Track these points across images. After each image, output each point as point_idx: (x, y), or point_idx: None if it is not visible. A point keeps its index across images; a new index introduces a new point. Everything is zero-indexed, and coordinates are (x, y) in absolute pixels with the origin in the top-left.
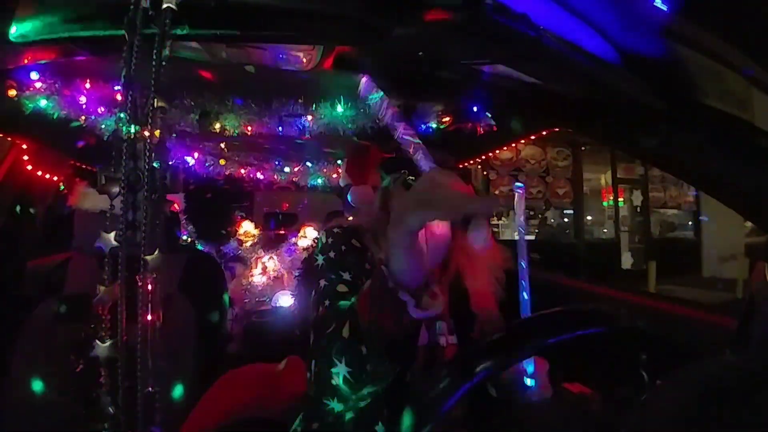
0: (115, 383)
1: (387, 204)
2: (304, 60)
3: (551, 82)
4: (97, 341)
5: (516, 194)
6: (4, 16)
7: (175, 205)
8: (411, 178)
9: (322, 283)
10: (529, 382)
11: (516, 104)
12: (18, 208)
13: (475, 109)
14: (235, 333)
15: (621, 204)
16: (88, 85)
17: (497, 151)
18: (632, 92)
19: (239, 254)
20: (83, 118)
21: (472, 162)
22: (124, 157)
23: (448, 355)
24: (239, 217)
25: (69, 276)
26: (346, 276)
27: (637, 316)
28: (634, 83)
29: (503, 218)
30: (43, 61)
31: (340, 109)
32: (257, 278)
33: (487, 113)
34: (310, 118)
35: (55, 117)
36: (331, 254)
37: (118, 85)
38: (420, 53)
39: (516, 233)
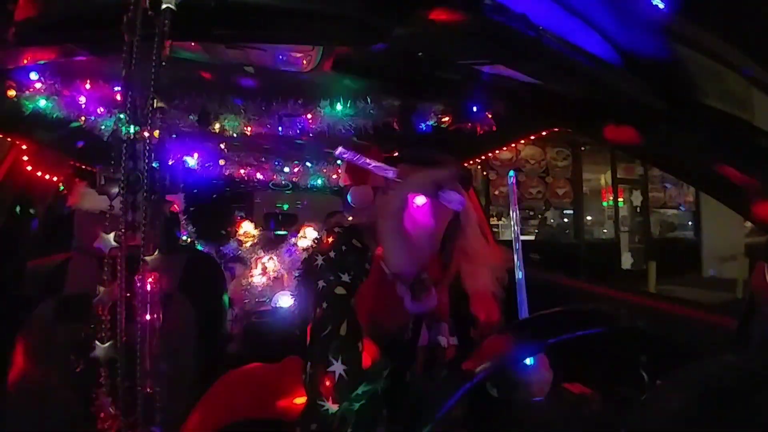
0: (115, 383)
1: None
2: (304, 61)
3: (551, 82)
4: (97, 341)
5: (509, 183)
6: (4, 17)
7: (175, 206)
8: None
9: (321, 284)
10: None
11: (516, 104)
12: (18, 208)
13: (475, 109)
14: (235, 333)
15: (621, 204)
16: (87, 86)
17: (497, 151)
18: (632, 92)
19: (239, 254)
20: (83, 118)
21: (472, 162)
22: (123, 158)
23: (449, 356)
24: (239, 218)
25: (69, 276)
26: (345, 277)
27: (637, 316)
28: (634, 83)
29: (503, 218)
30: (42, 62)
31: (339, 109)
32: (257, 279)
33: (487, 113)
34: (309, 117)
35: (54, 117)
36: (331, 254)
37: (117, 85)
38: (420, 53)
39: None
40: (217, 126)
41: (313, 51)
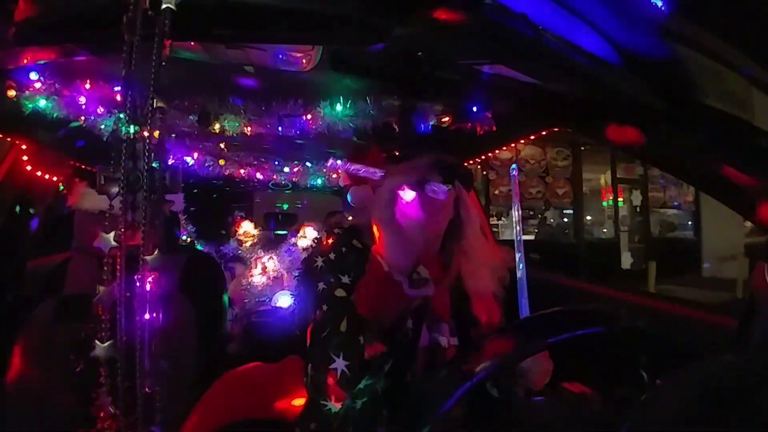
0: (115, 383)
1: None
2: (304, 61)
3: (551, 82)
4: (97, 341)
5: (512, 176)
6: (4, 17)
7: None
8: None
9: (321, 286)
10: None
11: (516, 104)
12: (18, 208)
13: (475, 109)
14: (235, 333)
15: (621, 204)
16: (87, 86)
17: (497, 151)
18: (632, 92)
19: (239, 254)
20: (83, 118)
21: (472, 162)
22: (123, 158)
23: (449, 356)
24: (239, 218)
25: (69, 276)
26: (346, 279)
27: (637, 316)
28: (634, 83)
29: (503, 218)
30: (42, 62)
31: (339, 109)
32: (257, 278)
33: (487, 113)
34: (309, 117)
35: (54, 117)
36: (332, 256)
37: (117, 85)
38: (420, 53)
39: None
40: (217, 126)
41: (313, 51)
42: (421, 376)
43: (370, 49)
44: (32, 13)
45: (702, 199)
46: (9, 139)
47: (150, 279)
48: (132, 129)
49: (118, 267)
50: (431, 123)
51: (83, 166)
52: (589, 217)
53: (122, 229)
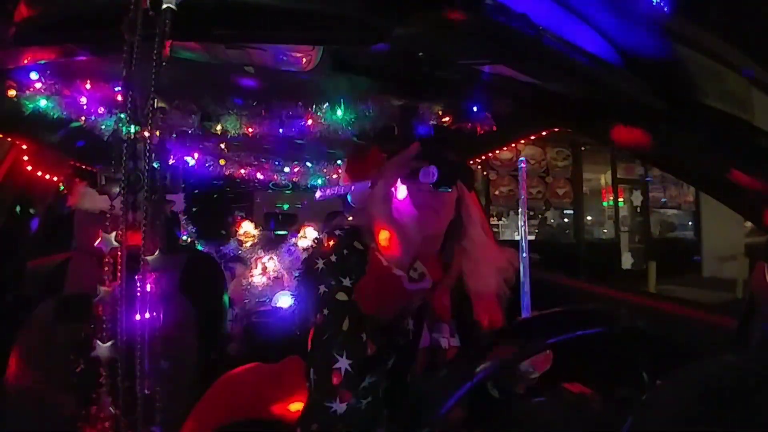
0: (115, 383)
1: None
2: (304, 60)
3: (551, 82)
4: (98, 341)
5: (519, 168)
6: (4, 17)
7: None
8: None
9: (322, 289)
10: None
11: (516, 104)
12: (18, 208)
13: (475, 109)
14: (235, 333)
15: (621, 204)
16: (88, 86)
17: (497, 151)
18: (632, 92)
19: (239, 254)
20: (83, 118)
21: (472, 162)
22: (124, 158)
23: (450, 356)
24: (239, 218)
25: (69, 276)
26: (347, 282)
27: (637, 316)
28: (634, 83)
29: (503, 218)
30: (42, 62)
31: (339, 109)
32: (257, 278)
33: (487, 113)
34: (309, 117)
35: (54, 117)
36: (333, 258)
37: (118, 85)
38: (420, 53)
39: (516, 233)
40: (218, 126)
41: (313, 51)
42: (421, 376)
43: (370, 49)
44: (32, 13)
45: (702, 199)
46: (9, 139)
47: (150, 279)
48: (132, 129)
49: (118, 267)
50: (431, 123)
51: (84, 167)
52: (589, 218)
53: (123, 230)
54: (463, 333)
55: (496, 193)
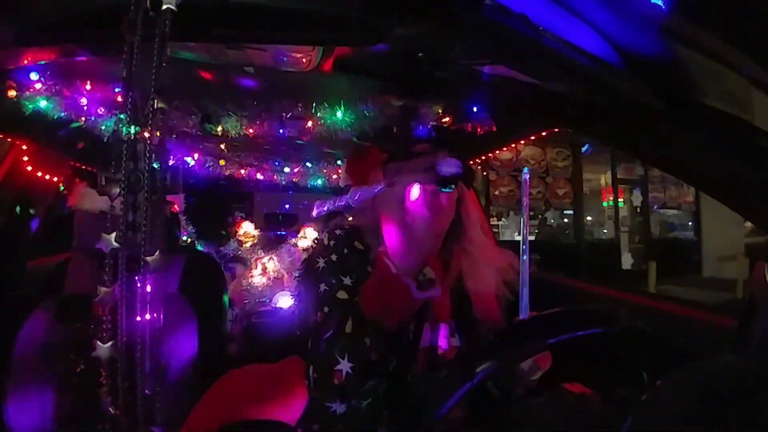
0: (115, 383)
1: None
2: (304, 60)
3: (551, 82)
4: (97, 341)
5: (523, 179)
6: (4, 17)
7: (176, 206)
8: None
9: (322, 287)
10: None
11: (516, 104)
12: (18, 208)
13: (475, 109)
14: (235, 333)
15: (621, 204)
16: (88, 86)
17: (497, 152)
18: (632, 92)
19: (239, 255)
20: (83, 118)
21: (472, 162)
22: (124, 158)
23: (450, 356)
24: (239, 218)
25: (69, 276)
26: (347, 281)
27: (637, 316)
28: (634, 83)
29: (503, 218)
30: (43, 62)
31: (339, 110)
32: (257, 279)
33: (487, 113)
34: (309, 117)
35: (54, 117)
36: (333, 257)
37: (118, 86)
38: (420, 53)
39: (516, 234)
40: (218, 127)
41: (313, 51)
42: (421, 376)
43: (370, 50)
44: (32, 13)
45: (702, 199)
46: (9, 139)
47: (150, 280)
48: (133, 130)
49: (118, 268)
50: (431, 123)
51: (84, 167)
52: (589, 218)
53: (123, 230)
54: (463, 333)
55: (496, 193)
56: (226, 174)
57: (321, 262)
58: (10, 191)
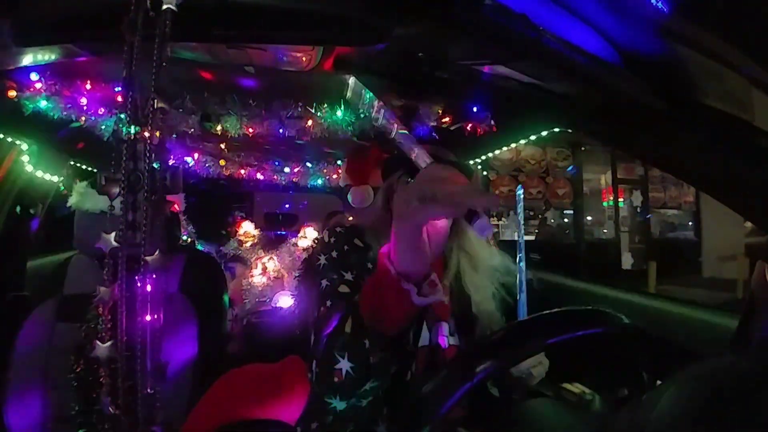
0: (115, 383)
1: (389, 203)
2: (304, 59)
3: (551, 82)
4: (97, 341)
5: (517, 195)
6: (4, 17)
7: (176, 206)
8: (410, 180)
9: (324, 283)
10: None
11: (516, 104)
12: (18, 208)
13: (475, 109)
14: (235, 333)
15: (621, 204)
16: (88, 86)
17: (497, 152)
18: (632, 92)
19: (239, 254)
20: (83, 118)
21: (472, 162)
22: (124, 158)
23: (449, 356)
24: (239, 218)
25: (69, 276)
26: (348, 276)
27: (636, 317)
28: (634, 83)
29: (503, 218)
30: (43, 62)
31: (339, 109)
32: (257, 279)
33: (487, 113)
34: (309, 117)
35: (54, 117)
36: (334, 254)
37: (118, 86)
38: (420, 53)
39: (516, 234)
40: (218, 127)
41: (313, 51)
42: (421, 376)
43: (370, 50)
44: (32, 13)
45: (702, 199)
46: (9, 139)
47: (150, 279)
48: (133, 129)
49: (118, 267)
50: (431, 123)
51: (84, 167)
52: (589, 218)
53: (123, 230)
54: (462, 332)
55: (496, 193)
56: (226, 174)
57: (322, 259)
58: (10, 191)
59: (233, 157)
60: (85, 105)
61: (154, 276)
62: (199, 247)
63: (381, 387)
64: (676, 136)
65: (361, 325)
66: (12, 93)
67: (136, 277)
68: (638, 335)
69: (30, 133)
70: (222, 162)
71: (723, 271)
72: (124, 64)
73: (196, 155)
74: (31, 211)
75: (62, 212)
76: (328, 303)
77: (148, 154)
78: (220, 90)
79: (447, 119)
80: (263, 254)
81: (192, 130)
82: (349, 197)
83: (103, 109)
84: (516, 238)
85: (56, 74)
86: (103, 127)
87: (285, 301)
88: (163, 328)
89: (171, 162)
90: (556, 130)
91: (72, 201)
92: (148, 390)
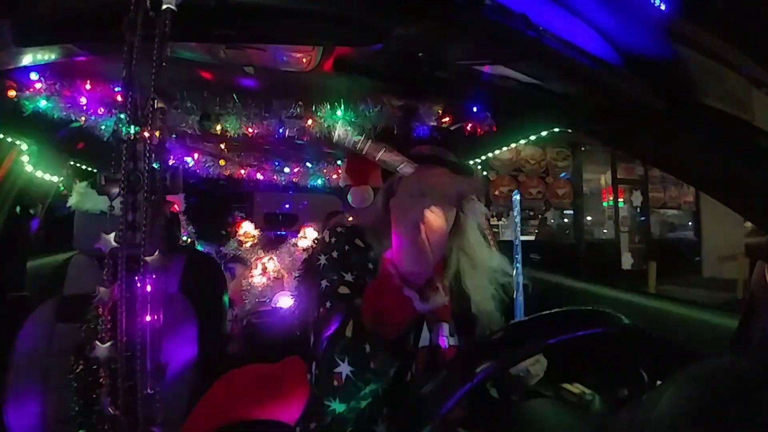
0: (115, 384)
1: (389, 203)
2: (304, 60)
3: (551, 82)
4: (97, 342)
5: (513, 200)
6: (4, 17)
7: (176, 206)
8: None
9: (324, 284)
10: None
11: (516, 104)
12: (18, 208)
13: (475, 109)
14: (235, 333)
15: (621, 204)
16: (88, 86)
17: (497, 152)
18: (632, 92)
19: (239, 255)
20: (83, 118)
21: (472, 162)
22: (124, 158)
23: (449, 356)
24: (239, 218)
25: (69, 276)
26: (348, 277)
27: (636, 317)
28: (634, 83)
29: (503, 219)
30: (43, 62)
31: (339, 109)
32: (257, 279)
33: (487, 113)
34: (309, 117)
35: (54, 117)
36: (334, 254)
37: (118, 85)
38: (420, 53)
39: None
40: (218, 127)
41: (313, 51)
42: (421, 376)
43: (370, 50)
44: (32, 13)
45: (702, 199)
46: (9, 139)
47: (150, 280)
48: (132, 129)
49: (118, 268)
50: (431, 123)
51: (84, 167)
52: (589, 218)
53: (123, 230)
54: (462, 333)
55: (496, 193)
56: (226, 174)
57: (322, 259)
58: (10, 191)
59: (233, 157)
60: (85, 105)
61: (154, 276)
62: (199, 248)
63: (380, 389)
64: (676, 136)
65: (362, 329)
66: (12, 93)
67: (136, 278)
68: (638, 335)
69: (30, 133)
70: (222, 162)
71: (723, 271)
72: (123, 64)
73: (196, 155)
74: (31, 211)
75: (62, 212)
76: (328, 304)
77: (148, 154)
78: (220, 90)
79: (447, 119)
80: (263, 254)
81: (191, 129)
82: (349, 197)
83: (102, 109)
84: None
85: (56, 74)
86: (103, 127)
87: (285, 301)
88: (162, 329)
89: (171, 162)
90: (556, 130)
91: (72, 201)
92: (148, 390)
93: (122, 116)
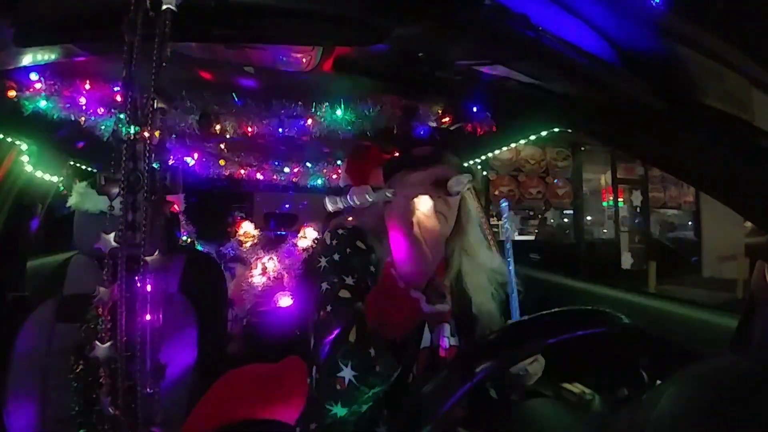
0: (115, 384)
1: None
2: (304, 60)
3: (551, 82)
4: (97, 342)
5: (502, 207)
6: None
7: (176, 206)
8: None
9: (324, 286)
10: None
11: (516, 104)
12: (18, 208)
13: (475, 109)
14: (235, 333)
15: (621, 204)
16: (87, 86)
17: (497, 152)
18: (632, 92)
19: (239, 255)
20: (83, 118)
21: (472, 162)
22: (123, 158)
23: (450, 356)
24: (239, 218)
25: (69, 276)
26: (350, 280)
27: (636, 317)
28: (634, 83)
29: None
30: (43, 62)
31: (339, 109)
32: (257, 279)
33: (487, 113)
34: (309, 117)
35: (54, 117)
36: (335, 257)
37: (117, 85)
38: (420, 53)
39: (515, 234)
40: (217, 126)
41: (313, 51)
42: (421, 376)
43: (370, 50)
44: (32, 13)
45: (702, 199)
46: (9, 139)
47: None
48: (132, 129)
49: (118, 268)
50: (431, 123)
51: (84, 167)
52: (589, 218)
53: (122, 230)
54: (463, 333)
55: (496, 193)
56: (226, 174)
57: (323, 262)
58: (10, 191)
59: (233, 157)
60: (85, 105)
61: (154, 276)
62: (199, 248)
63: (380, 392)
64: (676, 136)
65: (365, 333)
66: (12, 93)
67: (136, 278)
68: (638, 335)
69: (30, 133)
70: (222, 162)
71: (723, 271)
72: (123, 64)
73: (196, 155)
74: (31, 211)
75: (62, 212)
76: (329, 308)
77: (147, 154)
78: (220, 90)
79: (447, 119)
80: (263, 254)
81: (192, 130)
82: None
83: (102, 109)
84: (513, 238)
85: (56, 74)
86: (102, 127)
87: (285, 301)
88: (162, 329)
89: (171, 162)
90: (556, 130)
91: (72, 201)
92: (148, 390)
93: (122, 116)
